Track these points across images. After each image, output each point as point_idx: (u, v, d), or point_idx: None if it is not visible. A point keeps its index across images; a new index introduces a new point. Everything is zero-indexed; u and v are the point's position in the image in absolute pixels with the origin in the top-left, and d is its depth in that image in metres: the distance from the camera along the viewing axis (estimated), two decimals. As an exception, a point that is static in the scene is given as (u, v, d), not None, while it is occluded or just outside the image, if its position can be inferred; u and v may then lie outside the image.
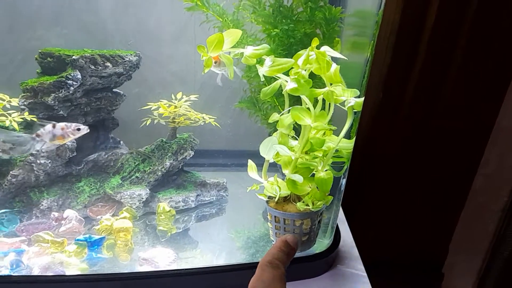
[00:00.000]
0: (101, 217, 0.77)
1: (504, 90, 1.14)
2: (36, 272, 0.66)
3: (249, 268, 0.71)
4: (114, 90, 0.81)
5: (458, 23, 1.05)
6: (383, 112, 1.17)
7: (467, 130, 1.19)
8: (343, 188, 0.75)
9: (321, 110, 0.61)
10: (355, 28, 0.74)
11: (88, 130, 0.69)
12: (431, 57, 1.09)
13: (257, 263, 0.66)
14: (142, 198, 0.80)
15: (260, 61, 0.60)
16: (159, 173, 0.82)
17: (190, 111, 0.79)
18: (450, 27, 1.06)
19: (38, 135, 0.68)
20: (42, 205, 0.75)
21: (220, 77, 0.63)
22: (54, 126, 0.68)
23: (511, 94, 1.14)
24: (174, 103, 0.79)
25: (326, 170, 0.63)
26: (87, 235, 0.72)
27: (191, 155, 0.84)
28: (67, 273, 0.67)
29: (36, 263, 0.67)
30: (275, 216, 0.65)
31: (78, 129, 0.69)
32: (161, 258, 0.70)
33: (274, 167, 0.67)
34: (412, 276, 1.40)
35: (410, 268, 1.41)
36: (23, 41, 0.80)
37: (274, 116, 0.62)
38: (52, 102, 0.72)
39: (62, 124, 0.68)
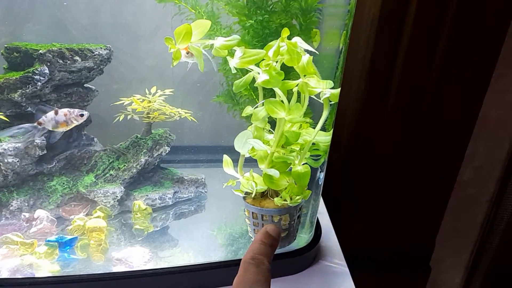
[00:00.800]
0: (74, 217, 0.75)
1: (487, 82, 1.14)
2: (4, 275, 0.64)
3: (232, 265, 0.70)
4: (85, 85, 0.79)
5: (441, 13, 1.04)
6: (368, 106, 1.17)
7: (453, 122, 1.19)
8: (321, 182, 0.74)
9: (296, 103, 0.59)
10: (333, 19, 0.72)
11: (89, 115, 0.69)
12: (414, 49, 1.09)
13: (240, 260, 0.66)
14: (117, 196, 0.78)
15: (233, 53, 0.58)
16: (134, 170, 0.80)
17: (165, 106, 0.77)
18: (432, 19, 1.05)
19: (39, 123, 0.67)
20: (12, 205, 0.73)
21: (190, 66, 0.61)
22: (56, 113, 0.67)
23: (495, 86, 1.14)
24: (148, 98, 0.77)
25: (303, 164, 0.61)
26: (59, 236, 0.70)
27: (167, 151, 0.83)
28: (37, 275, 0.65)
29: (4, 265, 0.65)
30: (252, 213, 0.63)
31: (81, 115, 0.69)
32: (136, 258, 0.68)
33: (254, 162, 0.65)
34: (399, 270, 1.40)
35: (397, 262, 1.41)
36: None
37: (248, 110, 0.60)
38: (19, 98, 0.70)
39: (64, 110, 0.68)
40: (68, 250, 0.70)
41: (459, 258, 1.42)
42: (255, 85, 0.57)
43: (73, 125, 0.69)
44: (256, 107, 0.59)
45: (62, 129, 0.69)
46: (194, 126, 0.85)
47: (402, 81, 1.13)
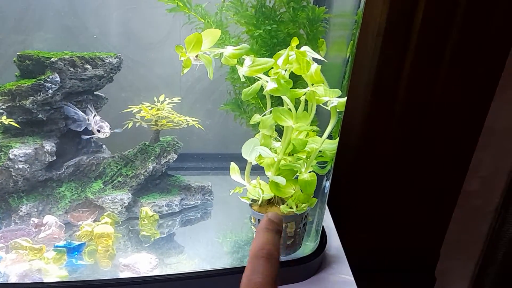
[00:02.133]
0: (82, 222, 0.75)
1: (493, 93, 1.14)
2: (13, 279, 0.64)
3: (237, 272, 0.70)
4: (95, 93, 0.80)
5: (447, 22, 1.05)
6: (374, 115, 1.17)
7: (460, 132, 1.19)
8: (327, 190, 0.74)
9: (303, 111, 0.60)
10: (340, 29, 0.73)
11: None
12: (420, 58, 1.09)
13: (245, 267, 0.66)
14: (124, 203, 0.78)
15: (242, 62, 0.59)
16: (142, 177, 0.81)
17: (173, 114, 0.78)
18: (439, 27, 1.06)
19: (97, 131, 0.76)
20: (21, 211, 0.74)
21: (198, 74, 0.62)
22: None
23: (503, 95, 1.14)
24: (157, 105, 0.78)
25: (309, 172, 0.62)
26: (67, 241, 0.71)
27: (175, 159, 0.83)
28: (45, 281, 0.65)
29: (13, 270, 0.66)
30: (258, 220, 0.64)
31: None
32: (143, 264, 0.69)
33: (261, 170, 0.66)
34: (404, 281, 1.40)
35: (401, 272, 1.40)
36: (4, 46, 0.78)
37: (256, 117, 0.61)
38: (31, 105, 0.71)
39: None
40: (76, 255, 0.71)
41: (465, 269, 1.41)
42: (263, 93, 0.58)
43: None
44: (264, 115, 0.60)
45: (105, 132, 0.77)
46: (202, 134, 0.85)
47: (408, 91, 1.13)
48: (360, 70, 1.11)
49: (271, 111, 0.59)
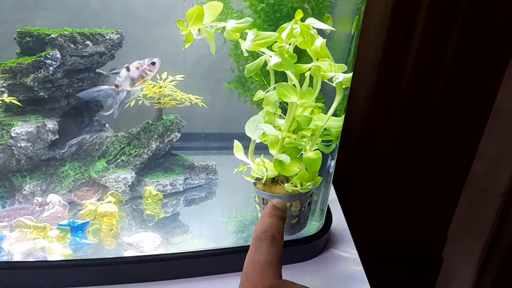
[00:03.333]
0: (86, 201, 0.75)
1: (503, 71, 1.11)
2: (17, 258, 0.64)
3: (242, 251, 0.69)
4: (96, 70, 0.79)
5: (455, 3, 1.02)
6: (379, 97, 1.15)
7: (466, 114, 1.17)
8: (332, 169, 0.73)
9: (308, 87, 0.58)
10: (346, 4, 0.71)
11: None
12: (428, 36, 1.06)
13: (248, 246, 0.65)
14: (128, 182, 0.78)
15: (245, 37, 0.57)
16: (145, 156, 0.80)
17: (175, 92, 0.77)
18: (447, 5, 1.03)
19: (117, 86, 0.64)
20: (25, 190, 0.74)
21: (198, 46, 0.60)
22: (128, 69, 0.64)
23: (510, 75, 1.11)
24: (159, 83, 0.76)
25: (314, 150, 0.61)
26: (70, 220, 0.71)
27: (178, 137, 0.82)
28: (49, 259, 0.65)
29: (17, 249, 0.66)
30: (263, 198, 0.63)
31: (153, 63, 0.64)
32: (147, 243, 0.68)
33: (265, 148, 0.65)
34: (410, 263, 1.39)
35: (408, 254, 1.39)
36: (6, 25, 0.77)
37: (259, 94, 0.59)
38: (32, 83, 0.70)
39: (134, 63, 0.64)
40: (79, 234, 0.71)
41: (472, 251, 1.39)
42: (267, 68, 0.56)
43: (150, 77, 0.65)
44: (268, 91, 0.58)
45: (140, 86, 0.65)
46: (205, 112, 0.84)
47: (415, 69, 1.10)
48: (366, 47, 1.08)
49: (274, 87, 0.57)
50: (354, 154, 1.22)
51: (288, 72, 0.56)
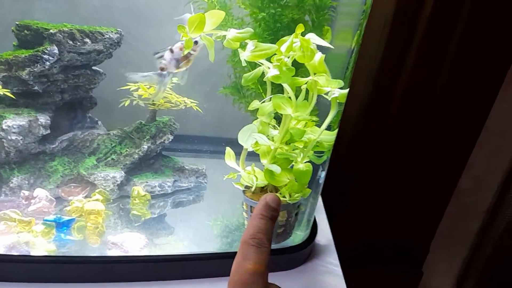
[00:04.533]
0: (73, 198, 0.75)
1: (496, 92, 1.13)
2: (0, 251, 0.64)
3: (226, 257, 0.69)
4: (93, 68, 0.78)
5: (454, 19, 1.04)
6: (372, 107, 1.16)
7: (457, 129, 1.19)
8: (321, 181, 0.74)
9: (303, 100, 0.59)
10: (347, 18, 0.72)
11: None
12: (424, 53, 1.08)
13: (234, 252, 0.65)
14: (117, 181, 0.77)
15: (244, 46, 0.58)
16: (136, 156, 0.80)
17: (171, 94, 0.77)
18: (445, 24, 1.04)
19: (162, 69, 0.62)
20: (12, 182, 0.73)
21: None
22: (172, 51, 0.61)
23: (503, 94, 1.12)
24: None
25: (305, 162, 0.61)
26: (56, 216, 0.70)
27: (170, 140, 0.82)
28: (33, 254, 0.65)
29: (1, 242, 0.65)
30: (251, 206, 0.63)
31: (196, 42, 0.60)
32: (131, 243, 0.68)
33: (256, 157, 0.65)
34: (391, 272, 1.40)
35: (390, 264, 1.41)
36: (3, 14, 0.76)
37: (255, 104, 0.60)
38: (27, 76, 0.70)
39: (177, 44, 0.61)
40: (65, 230, 0.70)
41: (452, 264, 1.41)
42: (264, 79, 0.57)
43: (193, 57, 0.62)
44: (264, 101, 0.59)
45: (186, 67, 0.62)
46: (199, 116, 0.84)
47: (409, 85, 1.12)
48: (362, 60, 1.09)
49: (270, 98, 0.58)
50: (342, 163, 1.22)
51: (284, 85, 0.57)
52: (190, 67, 0.86)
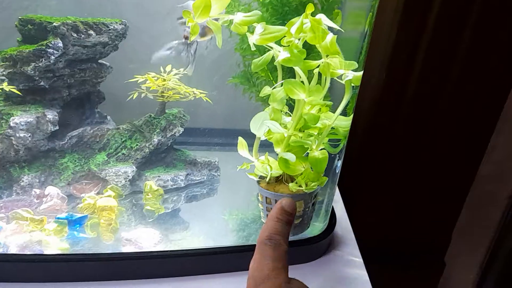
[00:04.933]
0: (85, 195, 0.74)
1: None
2: (13, 250, 0.63)
3: (243, 251, 0.68)
4: (99, 61, 0.77)
5: (468, 2, 1.00)
6: (386, 94, 1.13)
7: (474, 115, 1.16)
8: (338, 170, 0.72)
9: (316, 84, 0.57)
10: (359, 0, 0.69)
11: None
12: (438, 37, 1.05)
13: (251, 246, 0.61)
14: (128, 176, 0.77)
15: (252, 31, 0.56)
16: (147, 150, 0.79)
17: (179, 85, 0.76)
18: (460, 6, 1.01)
19: (186, 37, 0.62)
20: (23, 181, 0.73)
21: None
22: None
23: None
24: (163, 76, 0.75)
25: (321, 149, 0.59)
26: (68, 214, 0.70)
27: (181, 132, 0.81)
28: (46, 252, 0.64)
29: (13, 241, 0.65)
30: (266, 197, 0.61)
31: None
32: (146, 239, 0.68)
33: (270, 146, 0.64)
34: (413, 265, 1.38)
35: (411, 256, 1.39)
36: (9, 11, 0.75)
37: (266, 90, 0.58)
38: (32, 72, 0.69)
39: None
40: (77, 228, 0.70)
41: (475, 254, 1.37)
42: (274, 63, 0.55)
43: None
44: (275, 87, 0.57)
45: (211, 35, 0.60)
46: (209, 107, 0.83)
47: (424, 70, 1.09)
48: (375, 46, 1.07)
49: (282, 83, 0.56)
50: (359, 152, 1.20)
51: (296, 68, 0.55)
52: (199, 58, 0.86)
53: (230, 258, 0.69)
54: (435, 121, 1.17)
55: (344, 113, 0.61)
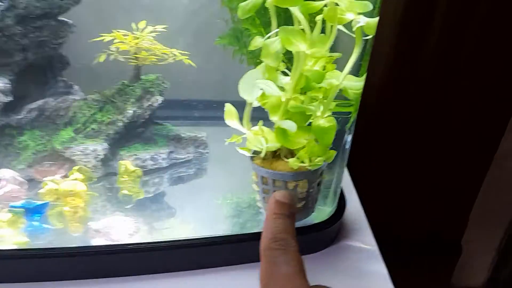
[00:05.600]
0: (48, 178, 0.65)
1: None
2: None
3: (241, 240, 0.60)
4: (58, 18, 0.67)
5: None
6: (402, 55, 1.05)
7: (494, 89, 1.10)
8: (348, 145, 0.63)
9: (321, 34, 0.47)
10: None
11: None
12: (449, 23, 1.00)
13: (250, 234, 0.59)
14: (99, 155, 0.68)
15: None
16: (120, 124, 0.69)
17: (155, 45, 0.66)
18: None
19: None
20: (-28, 164, 0.63)
21: None
22: None
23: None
24: (136, 34, 0.65)
25: (327, 116, 0.49)
26: (26, 201, 0.61)
27: (159, 101, 0.72)
28: (-1, 248, 0.55)
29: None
30: (262, 177, 0.52)
31: None
32: (119, 229, 0.59)
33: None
34: (428, 251, 1.35)
35: (426, 242, 1.35)
36: None
37: (257, 41, 0.48)
38: (-27, 31, 0.58)
39: None
40: (38, 218, 0.61)
41: (493, 238, 1.37)
42: (266, 4, 0.45)
43: None
44: (268, 37, 0.47)
45: None
46: (195, 75, 0.73)
47: (444, 25, 1.01)
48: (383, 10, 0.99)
49: (277, 32, 0.45)
50: (369, 132, 1.13)
51: (294, 11, 0.44)
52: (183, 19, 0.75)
53: (225, 250, 0.61)
54: (452, 96, 1.11)
55: (355, 71, 0.51)
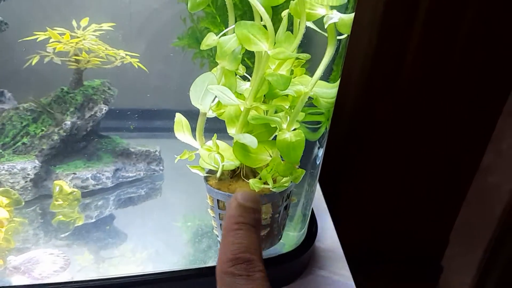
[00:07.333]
0: (-33, 202, 0.57)
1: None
2: None
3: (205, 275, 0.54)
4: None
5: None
6: (378, 67, 1.03)
7: (480, 100, 1.10)
8: (319, 161, 0.59)
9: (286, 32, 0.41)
10: None
11: None
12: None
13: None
14: (29, 175, 0.61)
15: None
16: (56, 138, 0.63)
17: (99, 45, 0.59)
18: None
19: None
20: None
21: None
22: None
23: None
24: (76, 33, 0.58)
25: (294, 130, 0.44)
26: None
27: (104, 111, 0.65)
28: None
29: None
30: (218, 200, 0.47)
31: None
32: (43, 265, 0.51)
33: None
34: (408, 270, 1.36)
35: (406, 260, 1.36)
36: None
37: (210, 39, 0.42)
38: None
39: None
40: None
41: (474, 256, 1.36)
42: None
43: None
44: (223, 34, 0.41)
45: None
46: (151, 80, 0.68)
47: (423, 40, 1.00)
48: (361, 8, 0.96)
49: (233, 28, 0.40)
50: (343, 145, 1.14)
51: (254, 3, 0.38)
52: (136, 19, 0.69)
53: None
54: (433, 103, 1.10)
55: (326, 76, 0.47)
